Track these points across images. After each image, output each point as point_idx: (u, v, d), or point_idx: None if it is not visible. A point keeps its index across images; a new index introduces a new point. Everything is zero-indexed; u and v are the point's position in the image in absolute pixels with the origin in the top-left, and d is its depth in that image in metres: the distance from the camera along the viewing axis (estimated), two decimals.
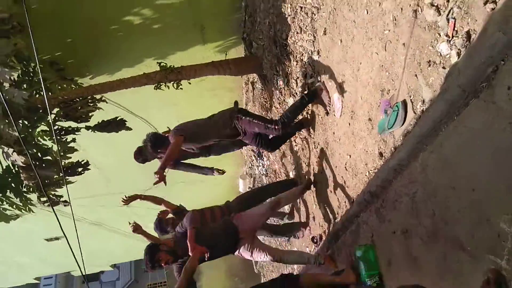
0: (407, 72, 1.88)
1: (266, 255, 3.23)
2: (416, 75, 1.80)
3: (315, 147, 3.63)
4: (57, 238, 10.89)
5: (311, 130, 3.64)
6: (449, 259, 1.67)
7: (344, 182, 3.01)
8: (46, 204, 4.48)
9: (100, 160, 7.90)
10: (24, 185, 4.28)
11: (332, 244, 3.46)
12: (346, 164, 2.92)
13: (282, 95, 4.34)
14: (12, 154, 3.73)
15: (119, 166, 8.26)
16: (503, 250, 1.32)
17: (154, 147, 3.68)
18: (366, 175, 2.56)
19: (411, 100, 1.87)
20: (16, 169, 4.19)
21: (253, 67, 5.04)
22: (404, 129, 1.95)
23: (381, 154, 2.29)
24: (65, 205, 4.74)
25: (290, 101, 4.03)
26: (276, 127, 3.24)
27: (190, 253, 2.86)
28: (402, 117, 1.92)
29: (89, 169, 5.25)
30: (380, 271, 2.45)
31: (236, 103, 3.69)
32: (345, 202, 3.08)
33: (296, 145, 4.22)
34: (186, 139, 3.40)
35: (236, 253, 3.33)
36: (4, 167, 4.38)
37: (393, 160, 2.03)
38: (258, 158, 6.88)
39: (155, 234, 4.25)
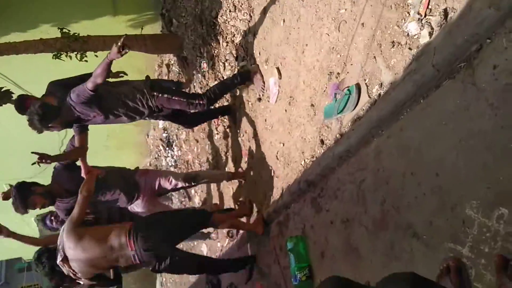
0: (363, 54, 1.80)
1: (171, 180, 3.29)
2: (375, 57, 1.73)
3: (240, 136, 3.44)
4: None
5: (237, 116, 3.44)
6: (398, 248, 1.63)
7: (273, 172, 2.88)
8: None
9: None
10: None
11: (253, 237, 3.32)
12: (277, 153, 2.78)
13: (205, 78, 4.05)
14: None
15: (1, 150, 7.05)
16: (466, 237, 1.29)
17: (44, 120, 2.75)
18: (301, 164, 2.45)
19: (366, 83, 1.79)
20: None
21: (172, 46, 4.64)
22: (354, 114, 1.87)
23: (322, 141, 2.20)
24: None
25: None
26: (201, 102, 2.94)
27: (83, 175, 2.82)
28: (355, 102, 1.83)
29: None
30: (310, 264, 2.36)
31: (147, 78, 3.25)
32: (271, 193, 2.95)
33: (217, 133, 3.98)
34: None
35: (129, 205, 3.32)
36: None
37: (340, 147, 1.93)
38: (167, 148, 6.45)
39: None
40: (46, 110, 2.72)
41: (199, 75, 4.16)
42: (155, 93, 2.88)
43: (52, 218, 3.95)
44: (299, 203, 2.49)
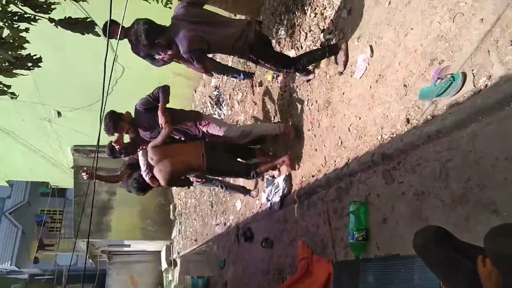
0: (475, 47, 1.97)
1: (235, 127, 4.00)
2: (488, 51, 1.90)
3: (308, 104, 3.65)
4: None
5: (310, 85, 3.64)
6: (473, 221, 1.85)
7: (341, 142, 3.10)
8: None
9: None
10: None
11: (302, 197, 3.59)
12: (350, 125, 2.99)
13: (280, 45, 4.24)
14: None
15: (57, 78, 7.39)
16: None
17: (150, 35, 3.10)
18: (377, 138, 2.66)
19: (473, 73, 1.97)
20: None
21: (251, 9, 4.81)
22: (453, 99, 2.06)
23: (408, 120, 2.40)
24: (12, 98, 4.12)
25: (291, 53, 3.96)
26: (289, 71, 3.27)
27: (160, 117, 3.44)
28: (457, 88, 2.02)
29: (40, 66, 4.63)
30: (368, 228, 2.61)
31: (258, 23, 3.35)
32: (334, 161, 3.19)
33: (282, 100, 4.19)
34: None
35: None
36: None
37: (431, 127, 2.13)
38: (215, 106, 6.70)
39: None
40: (152, 25, 3.11)
41: (274, 41, 4.34)
42: (251, 56, 3.18)
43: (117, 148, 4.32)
44: (367, 173, 2.71)
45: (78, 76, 7.47)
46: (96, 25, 4.79)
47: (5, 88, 4.12)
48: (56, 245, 15.85)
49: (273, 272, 4.15)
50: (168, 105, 3.64)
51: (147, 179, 3.57)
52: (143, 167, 3.58)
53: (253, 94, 4.97)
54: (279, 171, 4.19)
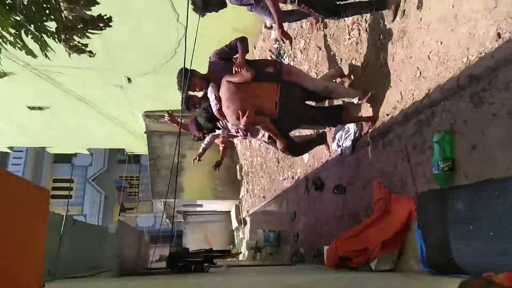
0: None
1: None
2: None
3: (381, 39, 3.44)
4: (40, 108, 10.41)
5: (379, 16, 3.41)
6: None
7: (420, 73, 2.90)
8: (73, 49, 4.07)
9: (108, 30, 7.34)
10: (55, 19, 3.83)
11: (376, 138, 3.47)
12: (430, 53, 2.78)
13: None
14: None
15: (124, 42, 7.67)
16: None
17: None
18: (462, 61, 2.45)
19: None
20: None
21: None
22: None
23: (499, 34, 2.16)
24: (90, 56, 4.36)
25: None
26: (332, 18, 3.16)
27: (241, 62, 3.33)
28: None
29: (111, 26, 4.83)
30: (454, 157, 2.46)
31: None
32: (412, 94, 3.00)
33: (350, 38, 3.99)
34: None
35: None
36: None
37: None
38: (278, 57, 6.59)
39: None
40: None
41: None
42: (303, 5, 3.05)
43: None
44: (451, 100, 2.52)
45: (143, 40, 7.71)
46: None
47: (83, 47, 4.38)
48: (135, 208, 17.23)
49: (347, 218, 4.13)
50: None
51: (215, 110, 3.50)
52: (212, 97, 3.51)
53: (318, 30, 4.76)
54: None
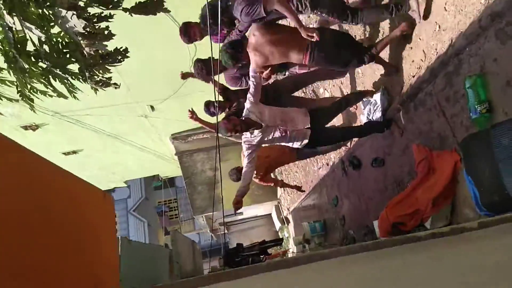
0: None
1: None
2: None
3: None
4: (74, 152, 10.90)
5: None
6: None
7: (439, 27, 2.93)
8: (98, 84, 4.30)
9: (123, 63, 7.67)
10: (77, 60, 4.07)
11: (406, 102, 3.49)
12: (445, 4, 2.80)
13: None
14: (71, 18, 3.49)
15: (141, 73, 8.02)
16: None
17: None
18: (481, 3, 2.47)
19: None
20: (66, 40, 3.95)
21: None
22: None
23: None
24: (115, 88, 4.59)
25: None
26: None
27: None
28: None
29: (128, 56, 5.07)
30: (489, 99, 2.47)
31: None
32: (435, 49, 3.02)
33: None
34: None
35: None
36: (53, 42, 4.13)
37: None
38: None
39: None
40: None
41: None
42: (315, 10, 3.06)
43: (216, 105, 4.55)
44: (476, 43, 2.54)
45: (158, 66, 8.02)
46: (164, 1, 5.12)
47: (108, 80, 4.62)
48: (178, 229, 17.56)
49: (391, 187, 4.14)
50: None
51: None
52: (237, 32, 3.41)
53: None
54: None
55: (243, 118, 3.59)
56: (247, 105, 3.57)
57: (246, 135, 3.69)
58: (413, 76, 3.36)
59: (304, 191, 5.04)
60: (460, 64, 2.73)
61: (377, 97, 4.01)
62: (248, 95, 3.54)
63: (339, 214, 6.13)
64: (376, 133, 4.05)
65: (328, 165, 6.29)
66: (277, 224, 11.84)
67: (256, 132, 3.63)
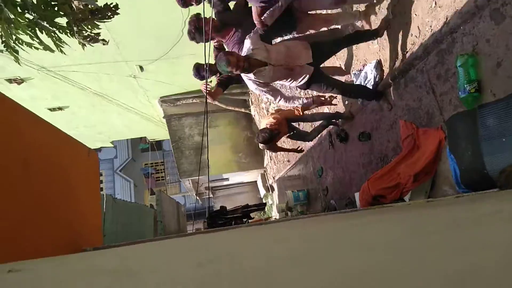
0: None
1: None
2: None
3: None
4: (60, 108, 10.70)
5: None
6: None
7: (435, 3, 2.89)
8: (86, 39, 4.17)
9: (113, 20, 7.41)
10: (65, 14, 3.92)
11: (398, 77, 3.49)
12: None
13: None
14: None
15: (131, 31, 7.77)
16: None
17: None
18: None
19: None
20: None
21: None
22: None
23: None
24: (104, 44, 4.45)
25: None
26: None
27: None
28: None
29: (118, 13, 4.89)
30: (479, 79, 2.48)
31: None
32: (430, 26, 3.00)
33: None
34: None
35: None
36: None
37: None
38: None
39: None
40: None
41: None
42: None
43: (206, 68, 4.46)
44: (471, 22, 2.52)
45: (149, 26, 7.78)
46: None
47: (96, 36, 4.47)
48: (164, 191, 17.72)
49: (375, 161, 4.21)
50: None
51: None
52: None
53: None
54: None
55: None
56: (250, 44, 3.22)
57: (250, 76, 3.33)
58: (406, 52, 3.34)
59: (303, 150, 5.08)
60: (453, 42, 2.72)
61: (368, 69, 4.00)
62: (252, 33, 3.29)
63: (323, 185, 6.24)
64: (364, 99, 4.05)
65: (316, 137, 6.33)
66: (262, 192, 12.03)
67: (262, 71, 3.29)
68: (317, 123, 5.17)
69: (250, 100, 11.05)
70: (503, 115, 2.17)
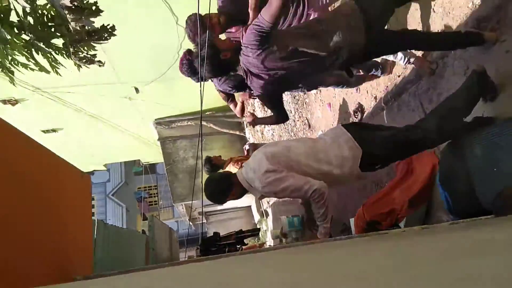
0: None
1: None
2: None
3: None
4: (54, 130, 10.64)
5: None
6: None
7: (426, 28, 2.93)
8: (82, 61, 4.17)
9: (109, 42, 7.46)
10: (62, 35, 3.94)
11: (390, 101, 3.51)
12: (434, 6, 2.81)
13: None
14: None
15: (127, 52, 7.82)
16: None
17: None
18: (468, 7, 2.48)
19: None
20: (52, 13, 3.82)
21: None
22: None
23: None
24: (100, 65, 4.47)
25: None
26: None
27: None
28: None
29: (115, 35, 4.94)
30: None
31: None
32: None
33: None
34: None
35: None
36: (38, 14, 3.99)
37: None
38: None
39: None
40: None
41: None
42: None
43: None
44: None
45: (145, 47, 7.83)
46: None
47: (92, 58, 4.48)
48: (157, 216, 17.45)
49: (370, 187, 4.18)
50: None
51: None
52: None
53: None
54: None
55: None
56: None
57: None
58: (399, 76, 3.37)
59: None
60: (444, 67, 2.74)
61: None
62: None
63: None
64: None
65: None
66: (256, 217, 11.87)
67: None
68: None
69: (244, 122, 11.07)
70: (490, 145, 2.15)
